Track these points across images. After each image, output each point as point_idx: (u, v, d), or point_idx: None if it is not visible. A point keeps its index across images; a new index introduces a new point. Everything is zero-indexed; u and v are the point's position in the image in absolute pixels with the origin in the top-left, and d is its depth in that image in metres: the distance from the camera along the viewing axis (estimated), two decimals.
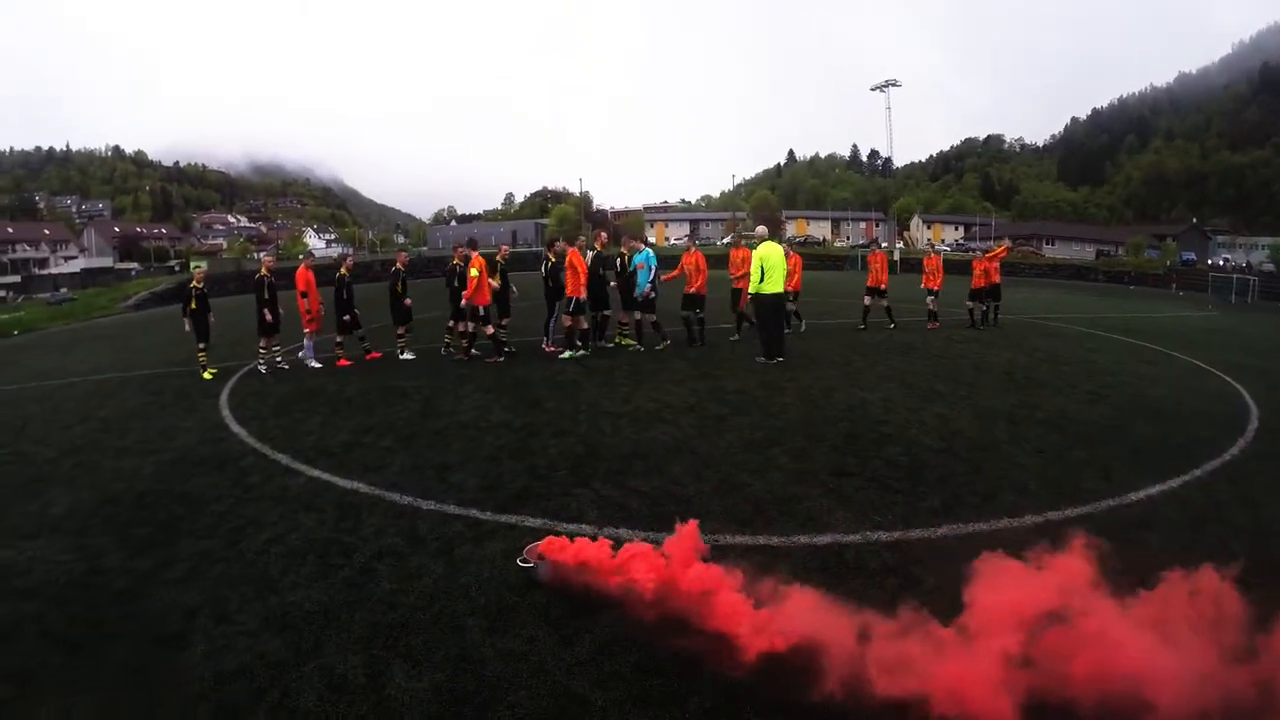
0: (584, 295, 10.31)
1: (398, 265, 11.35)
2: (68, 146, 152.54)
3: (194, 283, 10.17)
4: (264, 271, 10.40)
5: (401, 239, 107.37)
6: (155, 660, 3.13)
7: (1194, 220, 74.19)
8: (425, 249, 74.30)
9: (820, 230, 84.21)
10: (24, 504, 5.11)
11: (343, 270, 10.90)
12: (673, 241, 70.59)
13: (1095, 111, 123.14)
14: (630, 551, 3.54)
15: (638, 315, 11.21)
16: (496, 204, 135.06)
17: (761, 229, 10.96)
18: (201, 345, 10.06)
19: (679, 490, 5.01)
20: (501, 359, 10.22)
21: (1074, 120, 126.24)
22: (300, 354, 10.69)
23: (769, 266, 9.70)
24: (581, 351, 10.49)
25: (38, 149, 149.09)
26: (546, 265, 11.17)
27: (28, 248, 77.16)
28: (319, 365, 10.32)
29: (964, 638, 2.81)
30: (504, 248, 12.76)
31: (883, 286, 13.67)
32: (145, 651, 3.21)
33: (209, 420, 7.43)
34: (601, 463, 5.63)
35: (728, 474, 5.33)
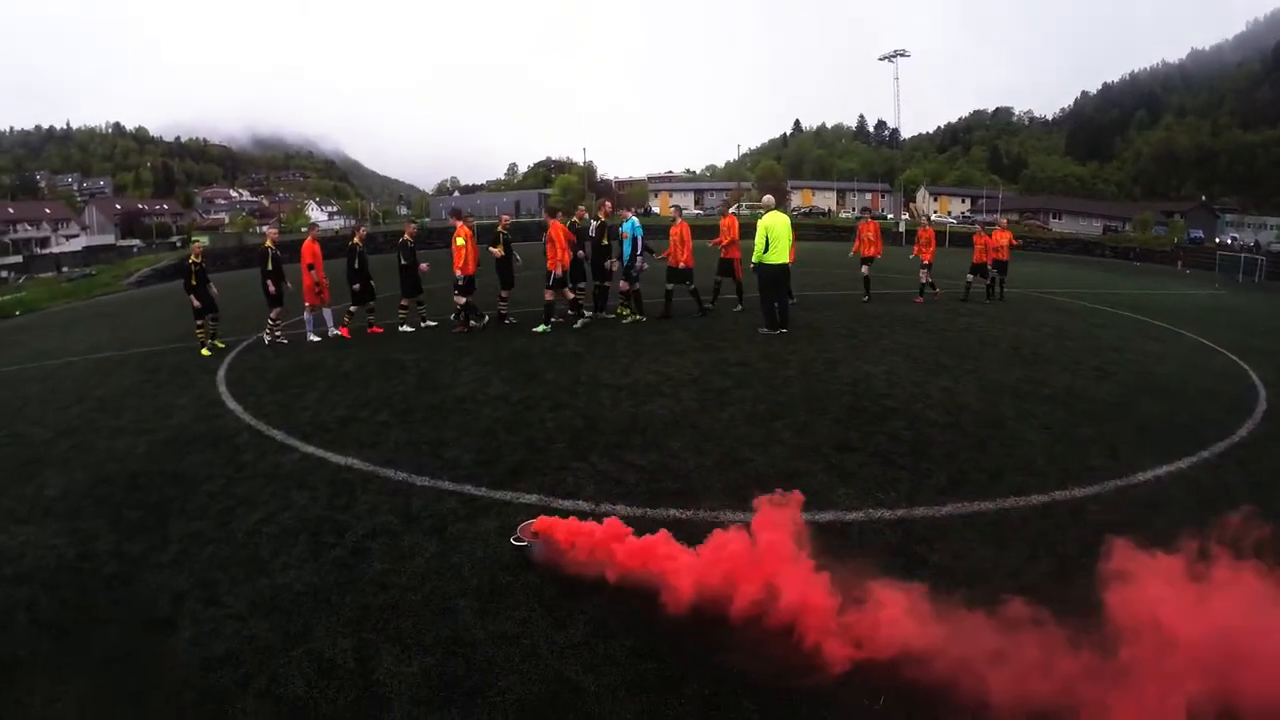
0: (560, 270, 10.06)
1: (405, 237, 11.16)
2: (68, 124, 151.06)
3: (192, 258, 10.05)
4: (269, 244, 10.29)
5: (404, 210, 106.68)
6: (143, 646, 3.09)
7: (1203, 198, 72.80)
8: (428, 220, 73.76)
9: (826, 201, 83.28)
10: (19, 487, 5.06)
11: (355, 239, 10.84)
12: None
13: (1106, 86, 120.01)
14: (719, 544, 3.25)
15: (637, 286, 10.98)
16: (500, 174, 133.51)
17: (769, 198, 10.69)
18: (199, 322, 9.96)
19: (678, 465, 4.92)
20: (466, 330, 10.24)
21: (1084, 94, 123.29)
22: (317, 328, 10.51)
23: (774, 236, 9.47)
24: (546, 328, 10.00)
25: (38, 128, 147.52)
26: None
27: (29, 227, 76.80)
28: (318, 339, 10.22)
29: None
30: (505, 217, 12.56)
31: (870, 255, 13.41)
32: (133, 637, 3.16)
33: (205, 397, 7.35)
34: (600, 436, 5.55)
35: (729, 448, 5.23)
